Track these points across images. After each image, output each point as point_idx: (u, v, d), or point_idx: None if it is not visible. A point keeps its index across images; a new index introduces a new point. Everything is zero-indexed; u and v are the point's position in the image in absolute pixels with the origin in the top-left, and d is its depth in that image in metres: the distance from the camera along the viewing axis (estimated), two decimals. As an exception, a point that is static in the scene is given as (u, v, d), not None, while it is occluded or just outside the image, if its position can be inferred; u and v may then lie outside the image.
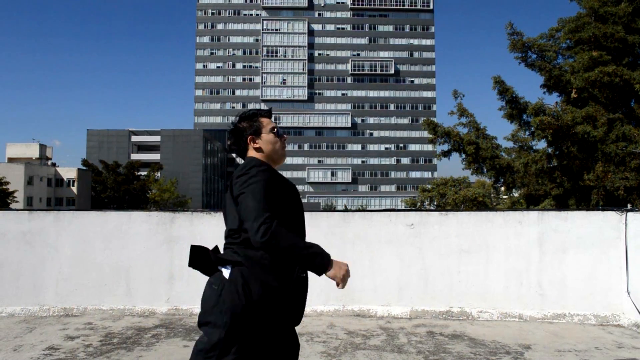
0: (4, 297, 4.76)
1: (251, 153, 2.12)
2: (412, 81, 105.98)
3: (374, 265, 4.73)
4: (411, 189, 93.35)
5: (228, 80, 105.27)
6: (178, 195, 61.87)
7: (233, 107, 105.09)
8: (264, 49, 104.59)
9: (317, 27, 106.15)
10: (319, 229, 4.75)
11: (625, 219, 4.63)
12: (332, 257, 1.87)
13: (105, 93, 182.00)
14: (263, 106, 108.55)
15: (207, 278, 2.14)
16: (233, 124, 2.18)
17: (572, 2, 13.46)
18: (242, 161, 2.12)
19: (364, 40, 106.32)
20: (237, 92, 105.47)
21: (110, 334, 4.07)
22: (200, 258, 2.08)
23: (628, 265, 4.56)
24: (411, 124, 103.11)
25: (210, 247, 2.18)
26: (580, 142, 11.12)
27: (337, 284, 1.86)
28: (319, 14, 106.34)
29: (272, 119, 2.26)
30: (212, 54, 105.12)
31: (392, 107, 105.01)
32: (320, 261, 1.84)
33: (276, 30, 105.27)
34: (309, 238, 2.07)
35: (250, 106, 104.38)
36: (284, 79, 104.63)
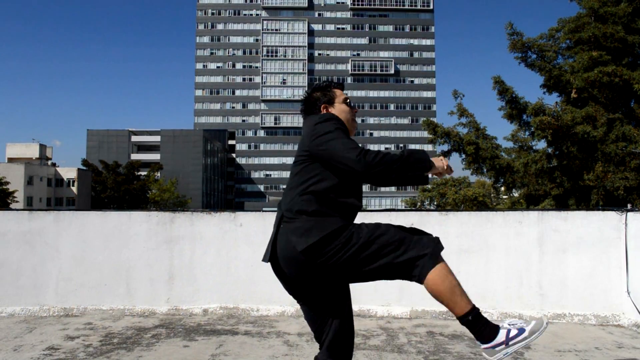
0: (4, 297, 4.76)
1: None
2: (412, 81, 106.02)
3: (374, 265, 4.73)
4: (411, 189, 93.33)
5: (228, 80, 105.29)
6: (178, 195, 61.90)
7: (233, 107, 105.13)
8: (264, 49, 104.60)
9: (317, 27, 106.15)
10: (319, 229, 4.74)
11: (625, 219, 4.63)
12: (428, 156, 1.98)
13: (105, 93, 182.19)
14: (263, 106, 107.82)
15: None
16: (307, 93, 2.26)
17: (572, 2, 13.47)
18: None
19: (364, 40, 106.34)
20: (237, 92, 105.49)
21: (110, 334, 4.07)
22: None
23: (628, 265, 4.56)
24: (411, 124, 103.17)
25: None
26: (580, 142, 11.12)
27: (441, 175, 2.01)
28: (319, 14, 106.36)
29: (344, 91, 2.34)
30: (212, 54, 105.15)
31: (392, 107, 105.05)
32: (424, 165, 1.94)
33: (276, 30, 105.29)
34: None
35: (251, 106, 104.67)
36: (284, 79, 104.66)
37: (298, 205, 1.92)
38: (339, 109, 2.18)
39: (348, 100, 2.23)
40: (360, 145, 1.94)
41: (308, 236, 1.86)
